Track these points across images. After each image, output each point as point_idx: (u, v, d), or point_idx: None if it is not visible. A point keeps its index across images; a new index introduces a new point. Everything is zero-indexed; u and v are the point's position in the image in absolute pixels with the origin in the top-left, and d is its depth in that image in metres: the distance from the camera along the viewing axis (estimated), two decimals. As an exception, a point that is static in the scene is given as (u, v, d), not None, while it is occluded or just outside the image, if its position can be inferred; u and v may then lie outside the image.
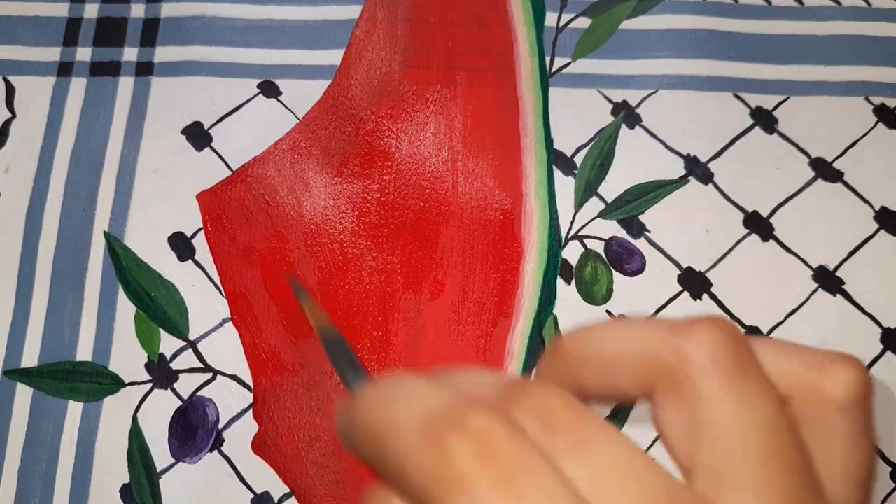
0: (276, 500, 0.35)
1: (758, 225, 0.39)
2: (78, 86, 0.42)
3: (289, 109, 0.42)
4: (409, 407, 0.13)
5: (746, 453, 0.12)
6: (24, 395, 0.37)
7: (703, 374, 0.13)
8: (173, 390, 0.37)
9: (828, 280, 0.38)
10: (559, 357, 0.15)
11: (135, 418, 0.36)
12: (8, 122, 0.42)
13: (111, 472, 0.35)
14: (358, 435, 0.14)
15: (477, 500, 0.11)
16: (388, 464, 0.13)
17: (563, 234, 0.39)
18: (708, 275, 0.38)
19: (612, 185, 0.40)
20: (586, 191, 0.40)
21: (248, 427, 0.36)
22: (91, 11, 0.44)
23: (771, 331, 0.37)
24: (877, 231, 0.39)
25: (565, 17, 0.44)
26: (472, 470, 0.12)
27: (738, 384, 0.13)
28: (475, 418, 0.12)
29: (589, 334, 0.15)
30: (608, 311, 0.38)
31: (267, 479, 0.35)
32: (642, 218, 0.39)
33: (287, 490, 0.35)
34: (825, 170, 0.40)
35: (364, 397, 0.14)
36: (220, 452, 0.36)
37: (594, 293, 0.38)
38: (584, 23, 0.43)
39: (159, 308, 0.38)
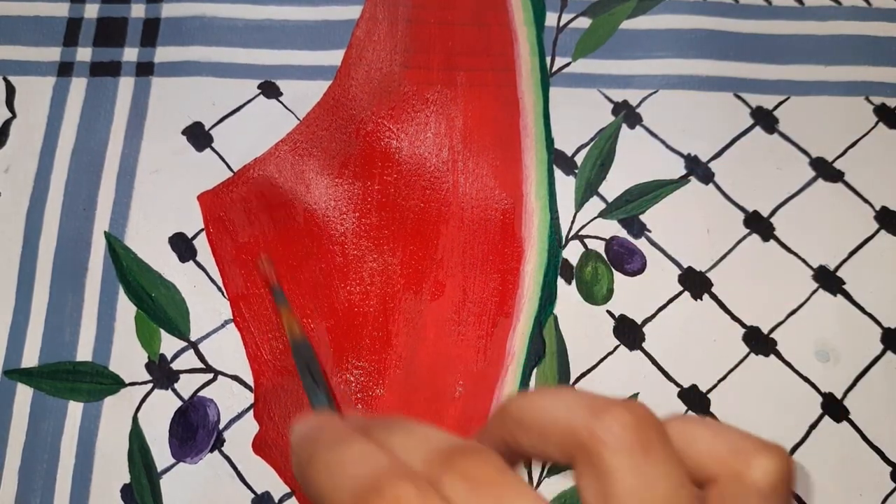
0: (276, 501, 0.35)
1: (758, 225, 0.39)
2: (78, 86, 0.42)
3: (289, 110, 0.42)
4: (352, 469, 0.15)
5: None
6: (24, 395, 0.37)
7: (610, 453, 0.15)
8: (174, 390, 0.37)
9: (828, 280, 0.38)
10: (502, 418, 0.17)
11: (135, 418, 0.36)
12: (8, 122, 0.42)
13: (112, 472, 0.35)
14: (305, 481, 0.16)
15: None
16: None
17: (564, 233, 0.39)
18: (708, 275, 0.38)
19: (613, 185, 0.40)
20: (587, 190, 0.40)
21: (248, 427, 0.36)
22: (91, 11, 0.44)
23: (771, 331, 0.37)
24: (877, 231, 0.39)
25: (565, 17, 0.44)
26: None
27: (640, 463, 0.15)
28: (399, 487, 0.14)
29: (527, 401, 0.17)
30: (609, 311, 0.38)
31: (267, 479, 0.35)
32: (643, 218, 0.39)
33: (287, 490, 0.35)
34: (825, 170, 0.40)
35: (316, 451, 0.16)
36: (221, 453, 0.36)
37: (595, 293, 0.38)
38: (584, 23, 0.44)
39: (160, 308, 0.38)
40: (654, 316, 0.38)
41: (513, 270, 0.38)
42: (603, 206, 0.40)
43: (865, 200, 0.40)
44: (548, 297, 0.38)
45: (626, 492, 0.14)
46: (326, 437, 0.17)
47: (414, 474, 0.15)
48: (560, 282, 0.38)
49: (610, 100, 0.42)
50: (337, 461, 0.16)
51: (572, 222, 0.39)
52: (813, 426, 0.36)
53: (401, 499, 0.14)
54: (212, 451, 0.36)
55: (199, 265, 0.39)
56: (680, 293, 0.38)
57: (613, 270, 0.38)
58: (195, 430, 0.36)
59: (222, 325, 0.38)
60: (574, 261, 0.39)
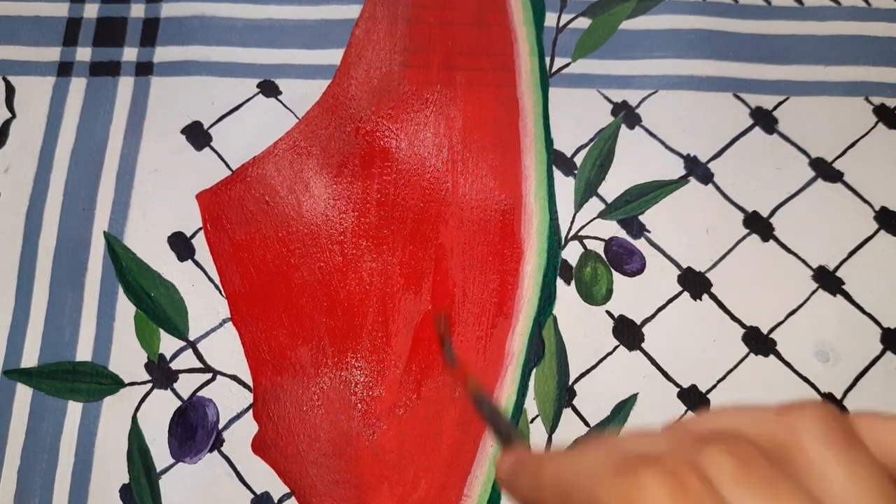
0: (275, 501, 0.35)
1: (758, 225, 0.39)
2: (78, 86, 0.42)
3: (288, 109, 0.42)
4: (596, 459, 0.14)
5: None
6: (24, 395, 0.37)
7: (815, 445, 0.14)
8: (173, 390, 0.37)
9: (828, 280, 0.38)
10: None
11: (134, 418, 0.36)
12: (8, 122, 0.42)
13: (111, 472, 0.35)
14: (542, 486, 0.15)
15: None
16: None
17: (563, 234, 0.39)
18: (708, 275, 0.38)
19: (612, 186, 0.40)
20: (586, 191, 0.40)
21: (248, 427, 0.36)
22: (91, 11, 0.44)
23: (771, 331, 0.37)
24: (877, 231, 0.39)
25: (565, 17, 0.44)
26: (661, 502, 0.13)
27: (847, 455, 0.14)
28: (665, 460, 0.13)
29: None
30: (608, 312, 0.38)
31: (267, 479, 0.35)
32: (642, 218, 0.39)
33: (287, 490, 0.35)
34: (825, 170, 0.40)
35: (545, 459, 0.16)
36: (220, 452, 0.36)
37: (594, 293, 0.38)
38: (584, 23, 0.43)
39: (159, 308, 0.38)
40: (653, 316, 0.38)
41: (512, 271, 0.38)
42: (602, 206, 0.40)
43: (865, 200, 0.40)
44: (547, 297, 0.38)
45: (840, 483, 0.13)
46: (552, 452, 0.16)
47: (679, 450, 0.14)
48: (559, 282, 0.38)
49: (609, 100, 0.42)
50: (577, 457, 0.15)
51: (571, 223, 0.39)
52: (812, 426, 0.36)
53: (676, 472, 0.13)
54: (211, 451, 0.36)
55: (197, 264, 0.39)
56: (679, 293, 0.38)
57: (613, 271, 0.38)
58: (194, 430, 0.36)
59: (220, 325, 0.38)
60: (573, 261, 0.39)
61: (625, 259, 0.39)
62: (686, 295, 0.38)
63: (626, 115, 0.41)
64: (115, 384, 0.37)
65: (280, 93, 0.42)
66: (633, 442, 0.15)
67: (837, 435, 0.14)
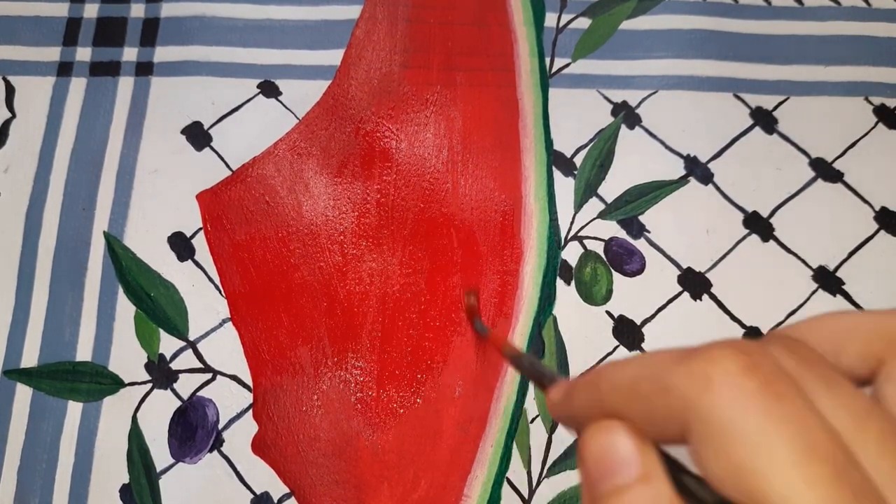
0: (275, 501, 0.35)
1: (758, 225, 0.39)
2: (78, 86, 0.42)
3: (289, 109, 0.42)
4: (655, 357, 0.14)
5: None
6: (24, 395, 0.37)
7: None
8: (173, 390, 0.37)
9: (828, 280, 0.38)
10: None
11: (134, 418, 0.36)
12: (8, 122, 0.42)
13: (111, 472, 0.35)
14: (602, 389, 0.15)
15: (740, 396, 0.12)
16: (641, 400, 0.14)
17: (563, 234, 0.39)
18: (708, 275, 0.38)
19: (612, 186, 0.40)
20: (586, 191, 0.40)
21: (247, 427, 0.36)
22: (91, 11, 0.44)
23: (770, 331, 0.37)
24: (877, 231, 0.39)
25: (565, 18, 0.44)
26: (736, 373, 0.12)
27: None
28: (731, 343, 0.13)
29: (815, 320, 0.16)
30: (608, 312, 0.38)
31: (267, 479, 0.35)
32: (642, 218, 0.39)
33: (287, 490, 0.35)
34: (825, 170, 0.40)
35: (603, 367, 0.15)
36: (220, 453, 0.36)
37: (594, 294, 0.38)
38: (584, 23, 0.43)
39: (159, 308, 0.38)
40: (653, 316, 0.38)
41: (512, 271, 0.38)
42: (602, 206, 0.40)
43: (865, 201, 0.40)
44: (547, 297, 0.38)
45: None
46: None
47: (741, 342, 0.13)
48: (559, 282, 0.38)
49: (609, 100, 0.42)
50: (634, 360, 0.14)
51: (571, 223, 0.39)
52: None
53: (746, 350, 0.13)
54: (211, 451, 0.36)
55: (197, 264, 0.39)
56: (679, 293, 0.38)
57: (612, 271, 0.38)
58: (194, 430, 0.36)
59: (220, 325, 0.38)
60: (573, 262, 0.39)
61: (625, 259, 0.39)
62: (686, 295, 0.38)
63: (626, 115, 0.41)
64: (115, 384, 0.37)
65: (280, 93, 0.42)
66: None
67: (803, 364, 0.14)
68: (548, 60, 0.43)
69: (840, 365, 0.15)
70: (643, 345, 0.37)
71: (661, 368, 0.14)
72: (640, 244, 0.39)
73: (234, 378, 0.37)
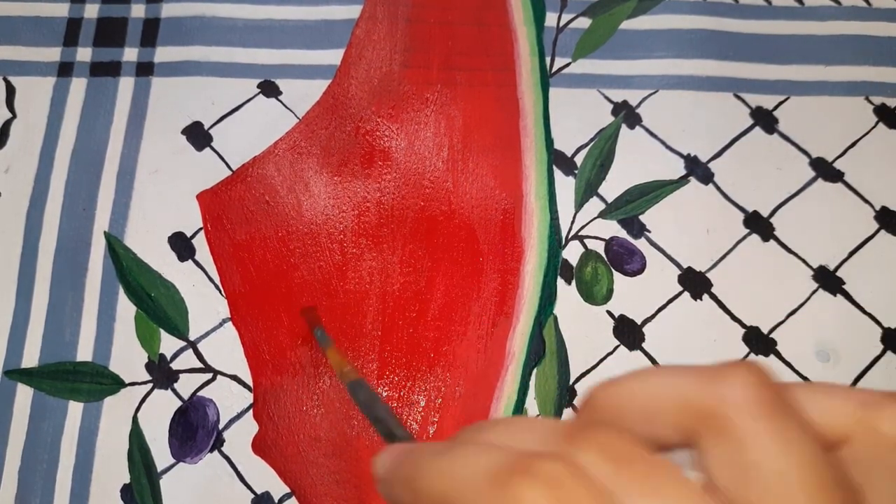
0: (276, 501, 0.35)
1: (758, 225, 0.39)
2: (78, 86, 0.42)
3: (289, 109, 0.42)
4: (472, 463, 0.14)
5: (795, 494, 0.12)
6: (24, 395, 0.37)
7: (743, 416, 0.13)
8: (173, 390, 0.37)
9: (828, 280, 0.38)
10: (592, 410, 0.15)
11: (135, 418, 0.36)
12: (8, 122, 0.42)
13: (111, 472, 0.35)
14: (418, 494, 0.15)
15: None
16: None
17: (564, 234, 0.39)
18: (708, 275, 0.38)
19: (613, 185, 0.40)
20: (587, 191, 0.40)
21: (248, 427, 0.36)
22: (91, 11, 0.44)
23: (771, 331, 0.37)
24: (877, 231, 0.39)
25: (565, 17, 0.44)
26: None
27: (778, 424, 0.13)
28: (542, 464, 0.13)
29: (623, 387, 0.15)
30: (608, 311, 0.38)
31: (267, 479, 0.35)
32: (642, 218, 0.39)
33: (287, 490, 0.35)
34: (825, 170, 0.40)
35: (421, 462, 0.15)
36: (221, 453, 0.36)
37: (594, 293, 0.38)
38: (584, 23, 0.44)
39: (159, 308, 0.38)
40: (653, 316, 0.38)
41: (513, 270, 0.38)
42: (603, 206, 0.40)
43: (865, 200, 0.40)
44: (548, 297, 0.38)
45: (771, 459, 0.13)
46: (428, 450, 0.15)
47: (554, 453, 0.13)
48: (560, 282, 0.38)
49: (610, 100, 0.42)
50: (452, 462, 0.14)
51: (572, 222, 0.39)
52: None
53: (554, 476, 0.12)
54: (211, 451, 0.36)
55: (197, 264, 0.39)
56: (680, 293, 0.38)
57: (613, 271, 0.38)
58: (195, 430, 0.36)
59: (220, 325, 0.38)
60: (574, 261, 0.39)
61: (625, 259, 0.39)
62: (686, 295, 0.38)
63: (627, 114, 0.41)
64: (116, 384, 0.37)
65: (280, 93, 0.42)
66: (509, 434, 0.15)
67: (767, 405, 0.13)
68: (548, 60, 0.43)
69: (658, 438, 0.14)
70: (643, 344, 0.37)
71: (472, 492, 0.13)
72: (641, 244, 0.39)
73: (234, 378, 0.37)
